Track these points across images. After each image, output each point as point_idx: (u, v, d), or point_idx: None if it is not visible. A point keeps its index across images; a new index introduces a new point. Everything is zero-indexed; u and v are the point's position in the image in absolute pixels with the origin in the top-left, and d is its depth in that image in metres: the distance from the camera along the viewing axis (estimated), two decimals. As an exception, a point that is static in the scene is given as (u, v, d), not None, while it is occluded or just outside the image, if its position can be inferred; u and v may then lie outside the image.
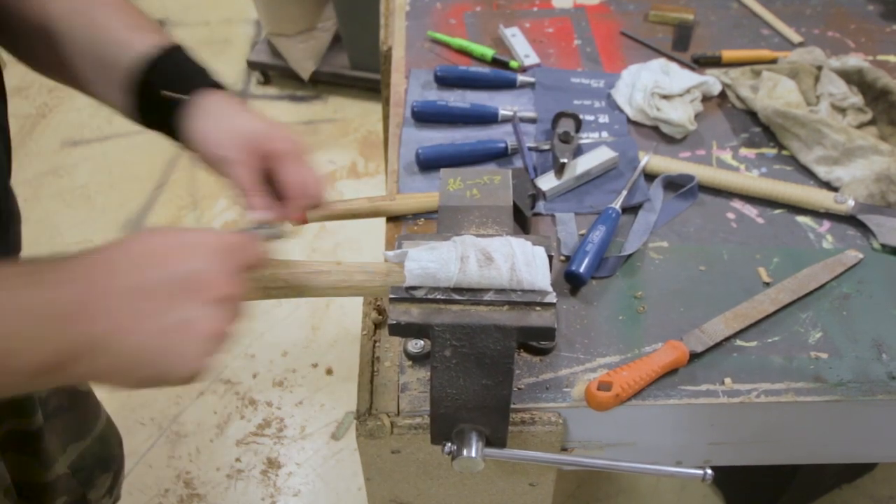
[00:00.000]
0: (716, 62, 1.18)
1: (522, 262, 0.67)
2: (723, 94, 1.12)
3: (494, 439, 0.70)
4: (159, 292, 0.48)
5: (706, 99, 1.11)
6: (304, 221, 0.76)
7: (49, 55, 0.74)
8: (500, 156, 1.01)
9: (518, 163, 1.01)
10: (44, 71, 0.78)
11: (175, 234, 0.52)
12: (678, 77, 1.09)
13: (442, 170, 0.87)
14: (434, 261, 0.66)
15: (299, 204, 0.71)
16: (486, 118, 1.06)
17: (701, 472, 0.68)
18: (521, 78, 1.12)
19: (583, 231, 0.91)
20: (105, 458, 0.99)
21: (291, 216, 0.72)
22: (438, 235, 0.74)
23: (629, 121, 1.08)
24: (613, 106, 1.10)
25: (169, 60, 0.72)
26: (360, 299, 0.83)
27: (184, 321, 0.49)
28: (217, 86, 0.73)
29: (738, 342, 0.80)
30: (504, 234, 0.74)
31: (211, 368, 0.51)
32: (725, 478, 1.65)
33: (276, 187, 0.71)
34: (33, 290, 0.46)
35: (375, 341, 0.80)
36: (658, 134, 1.06)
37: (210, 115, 0.70)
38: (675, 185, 0.98)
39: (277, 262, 0.69)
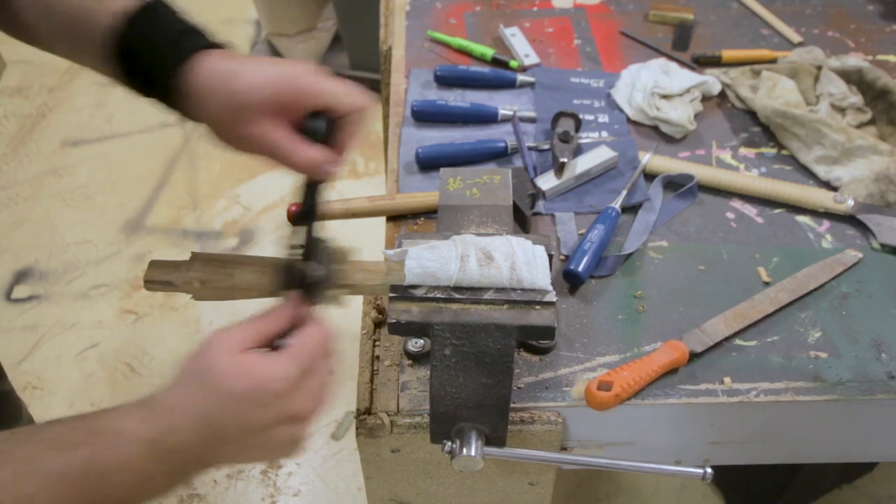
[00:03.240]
0: (715, 62, 1.18)
1: (522, 262, 0.67)
2: (722, 94, 1.12)
3: (494, 438, 0.70)
4: (250, 442, 0.56)
5: (706, 99, 1.11)
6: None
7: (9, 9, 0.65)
8: (499, 155, 1.01)
9: (518, 162, 1.01)
10: (4, 28, 0.69)
11: (235, 384, 0.54)
12: (678, 77, 1.09)
13: (442, 169, 0.87)
14: (434, 259, 0.67)
15: (356, 125, 0.63)
16: (486, 118, 1.06)
17: (701, 470, 0.68)
18: (520, 78, 1.12)
19: (582, 230, 0.91)
20: None
21: (350, 144, 0.64)
22: (438, 234, 0.74)
23: (629, 120, 1.08)
24: (613, 105, 1.10)
25: (152, 17, 0.63)
26: (360, 298, 0.83)
27: (279, 444, 0.58)
28: (211, 44, 0.64)
29: (738, 342, 0.80)
30: (504, 234, 0.74)
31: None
32: (725, 478, 1.65)
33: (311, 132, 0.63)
34: (154, 462, 0.53)
35: (375, 340, 0.80)
36: (658, 134, 1.06)
37: (210, 96, 0.61)
38: (675, 184, 0.98)
39: (277, 261, 0.69)
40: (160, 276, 0.66)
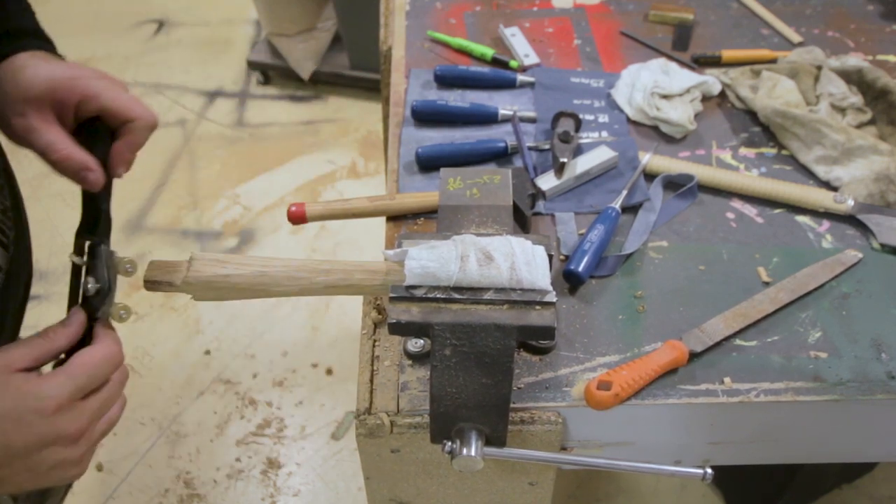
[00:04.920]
0: (715, 62, 1.18)
1: (522, 262, 0.67)
2: (722, 94, 1.12)
3: (494, 438, 0.70)
4: (16, 464, 0.52)
5: (706, 99, 1.11)
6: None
7: None
8: (499, 155, 1.01)
9: (518, 162, 1.01)
10: None
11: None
12: (678, 77, 1.09)
13: (442, 169, 0.87)
14: (434, 259, 0.67)
15: (135, 135, 0.63)
16: (486, 118, 1.06)
17: (701, 471, 0.68)
18: (520, 78, 1.12)
19: (582, 231, 0.91)
20: None
21: (126, 156, 0.64)
22: (438, 234, 0.74)
23: (629, 120, 1.08)
24: (613, 105, 1.10)
25: None
26: (360, 299, 0.83)
27: (51, 467, 0.54)
28: (36, 45, 0.64)
29: (738, 342, 0.80)
30: (504, 234, 0.74)
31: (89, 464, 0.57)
32: (725, 478, 1.65)
33: (98, 137, 0.63)
34: None
35: (375, 340, 0.80)
36: (658, 133, 1.06)
37: (4, 79, 0.61)
38: (675, 184, 0.98)
39: (277, 261, 0.69)
40: (160, 277, 0.66)
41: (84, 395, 0.56)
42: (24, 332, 2.25)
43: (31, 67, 0.61)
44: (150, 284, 0.66)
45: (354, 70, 2.66)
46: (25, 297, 0.74)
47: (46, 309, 2.07)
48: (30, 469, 0.53)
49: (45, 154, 0.61)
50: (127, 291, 2.12)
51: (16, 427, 0.52)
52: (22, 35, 0.64)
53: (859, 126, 1.04)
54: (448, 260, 0.66)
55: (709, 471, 0.68)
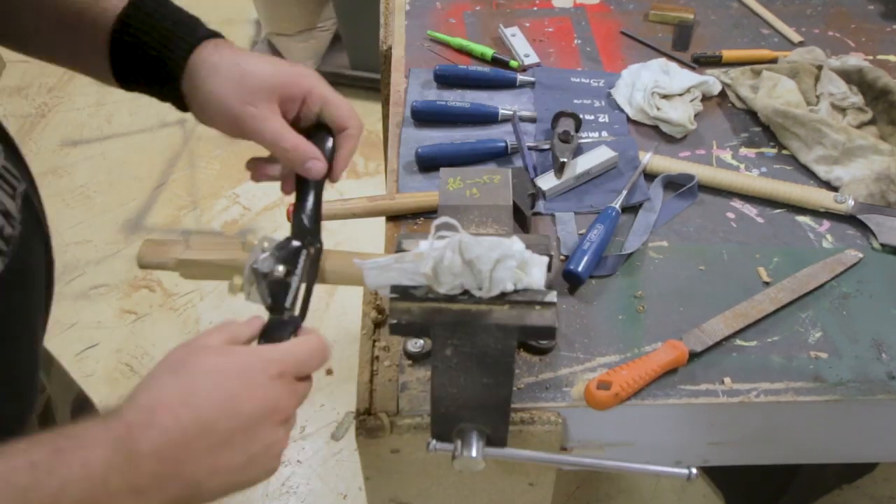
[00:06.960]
0: (716, 62, 1.18)
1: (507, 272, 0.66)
2: (723, 94, 1.12)
3: (495, 438, 0.69)
4: (236, 439, 0.51)
5: (706, 98, 1.11)
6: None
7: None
8: (499, 155, 1.01)
9: (518, 162, 1.00)
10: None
11: (223, 364, 0.51)
12: (678, 76, 1.09)
13: (442, 169, 0.87)
14: (397, 271, 0.65)
15: (351, 143, 0.67)
16: (486, 118, 1.06)
17: (686, 471, 0.67)
18: (520, 77, 1.12)
19: (582, 230, 0.91)
20: None
21: (345, 162, 0.68)
22: (437, 235, 0.74)
23: (629, 120, 1.08)
24: (613, 105, 1.10)
25: (144, 11, 0.64)
26: (360, 298, 0.83)
27: (263, 449, 0.52)
28: (209, 34, 0.66)
29: (738, 342, 0.80)
30: (503, 234, 0.74)
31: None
32: (726, 478, 1.65)
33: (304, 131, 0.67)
34: (110, 473, 0.46)
35: (375, 341, 0.80)
36: (658, 133, 1.06)
37: (218, 72, 0.63)
38: (675, 184, 0.98)
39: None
40: (154, 255, 0.66)
41: (298, 376, 0.55)
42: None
43: (254, 62, 0.64)
44: (145, 262, 0.66)
45: (354, 70, 2.66)
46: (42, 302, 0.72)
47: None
48: (244, 449, 0.51)
49: (272, 143, 0.64)
50: (126, 291, 2.12)
51: (244, 388, 0.51)
52: (193, 22, 0.66)
53: (860, 126, 1.04)
54: (413, 273, 0.65)
55: (693, 471, 0.67)
